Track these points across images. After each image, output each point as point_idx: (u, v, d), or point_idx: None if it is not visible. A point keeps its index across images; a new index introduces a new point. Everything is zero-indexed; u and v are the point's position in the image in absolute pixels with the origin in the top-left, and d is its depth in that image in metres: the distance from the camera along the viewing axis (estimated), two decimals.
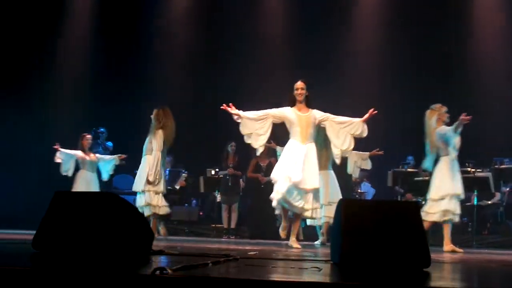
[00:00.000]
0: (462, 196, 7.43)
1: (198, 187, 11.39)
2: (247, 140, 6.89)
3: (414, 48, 12.03)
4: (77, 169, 9.47)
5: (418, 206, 3.55)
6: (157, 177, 8.16)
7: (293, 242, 6.89)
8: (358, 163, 8.67)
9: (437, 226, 7.72)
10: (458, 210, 7.32)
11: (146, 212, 8.21)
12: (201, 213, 12.20)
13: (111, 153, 10.25)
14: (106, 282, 2.33)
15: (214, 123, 11.92)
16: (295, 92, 6.95)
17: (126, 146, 10.16)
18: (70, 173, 9.41)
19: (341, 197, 7.85)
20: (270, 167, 8.39)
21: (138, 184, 8.41)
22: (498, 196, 10.58)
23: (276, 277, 2.70)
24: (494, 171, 9.85)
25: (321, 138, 7.48)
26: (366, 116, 6.87)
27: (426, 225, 7.14)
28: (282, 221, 7.12)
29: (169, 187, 11.64)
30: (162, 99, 12.57)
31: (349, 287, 2.34)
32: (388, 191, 10.93)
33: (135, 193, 8.70)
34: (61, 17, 12.82)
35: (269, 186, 8.37)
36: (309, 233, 9.20)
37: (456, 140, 7.24)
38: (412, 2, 12.24)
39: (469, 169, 9.47)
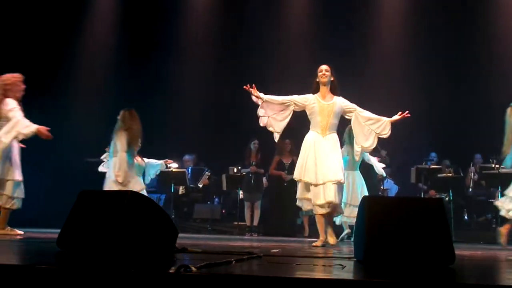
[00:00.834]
0: None
1: (220, 185, 11.43)
2: (262, 122, 6.53)
3: (441, 49, 11.89)
4: None
5: (441, 203, 3.52)
6: (127, 178, 8.09)
7: (329, 235, 6.54)
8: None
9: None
10: None
11: None
12: (223, 211, 12.23)
13: None
14: (131, 280, 2.35)
15: (237, 120, 11.95)
16: (319, 74, 6.54)
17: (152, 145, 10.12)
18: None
19: None
20: (292, 165, 8.35)
21: (108, 186, 8.15)
22: None
23: (300, 274, 2.69)
24: None
25: (351, 139, 7.27)
26: (397, 117, 6.45)
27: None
28: (320, 234, 6.47)
29: (191, 185, 11.73)
30: (183, 97, 12.67)
31: (373, 284, 2.33)
32: (412, 187, 10.85)
33: None
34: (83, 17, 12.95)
35: (292, 184, 8.38)
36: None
37: None
38: (438, 2, 12.15)
39: (493, 165, 9.39)
